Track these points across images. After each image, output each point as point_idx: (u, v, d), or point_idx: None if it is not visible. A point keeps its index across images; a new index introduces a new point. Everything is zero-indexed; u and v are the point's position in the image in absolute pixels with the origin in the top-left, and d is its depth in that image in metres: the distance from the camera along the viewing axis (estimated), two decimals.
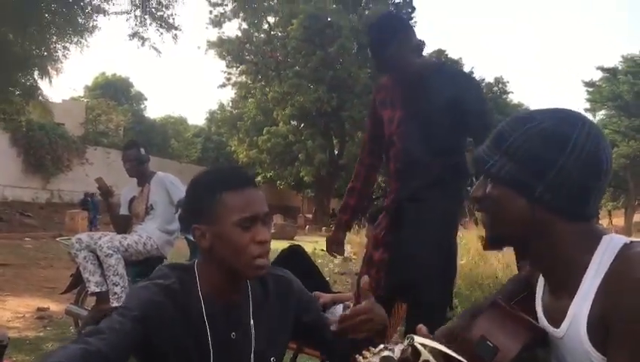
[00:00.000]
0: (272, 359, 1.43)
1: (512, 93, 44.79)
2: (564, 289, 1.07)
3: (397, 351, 1.01)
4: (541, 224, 1.05)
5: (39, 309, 5.68)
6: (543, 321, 1.15)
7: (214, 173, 1.41)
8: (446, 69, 2.42)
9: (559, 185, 1.01)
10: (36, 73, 14.94)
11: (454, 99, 2.22)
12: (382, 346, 1.04)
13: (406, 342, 1.03)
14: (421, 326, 1.16)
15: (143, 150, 4.17)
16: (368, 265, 2.47)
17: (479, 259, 8.46)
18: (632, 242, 1.02)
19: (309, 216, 34.31)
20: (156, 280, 1.34)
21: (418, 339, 1.03)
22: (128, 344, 1.20)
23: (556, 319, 1.09)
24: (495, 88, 42.23)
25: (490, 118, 2.33)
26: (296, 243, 4.96)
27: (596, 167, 1.02)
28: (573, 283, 1.04)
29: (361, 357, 1.02)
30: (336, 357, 1.53)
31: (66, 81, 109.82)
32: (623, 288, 0.95)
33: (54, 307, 5.76)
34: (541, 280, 1.21)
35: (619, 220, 37.96)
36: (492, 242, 1.16)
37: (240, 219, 1.29)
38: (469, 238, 10.68)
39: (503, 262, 7.54)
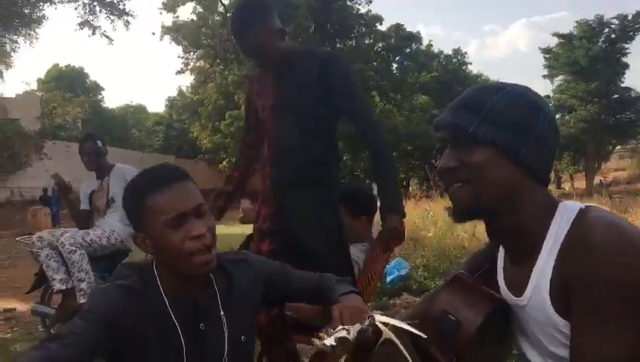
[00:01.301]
0: (242, 338, 1.43)
1: (471, 64, 45.14)
2: (524, 258, 1.09)
3: (353, 332, 1.01)
4: (519, 189, 1.07)
5: (5, 310, 5.60)
6: (506, 291, 1.16)
7: (138, 179, 1.34)
8: (316, 53, 2.37)
9: (539, 148, 1.06)
10: None
11: (322, 83, 2.25)
12: (340, 327, 1.03)
13: (366, 322, 1.03)
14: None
15: (100, 142, 4.06)
16: None
17: (446, 231, 8.59)
18: (586, 207, 1.05)
19: None
20: (117, 281, 1.31)
21: (379, 318, 1.03)
22: (91, 348, 1.17)
23: (518, 288, 1.10)
24: (454, 60, 42.56)
25: (359, 100, 2.33)
26: None
27: (559, 133, 1.10)
28: (534, 253, 1.06)
29: (316, 339, 1.02)
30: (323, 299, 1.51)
31: (18, 76, 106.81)
32: (581, 255, 0.97)
33: (21, 307, 5.64)
34: (501, 252, 1.22)
35: (580, 183, 38.95)
36: (471, 212, 1.11)
37: (167, 219, 1.25)
38: (435, 210, 10.83)
39: (470, 233, 7.68)
